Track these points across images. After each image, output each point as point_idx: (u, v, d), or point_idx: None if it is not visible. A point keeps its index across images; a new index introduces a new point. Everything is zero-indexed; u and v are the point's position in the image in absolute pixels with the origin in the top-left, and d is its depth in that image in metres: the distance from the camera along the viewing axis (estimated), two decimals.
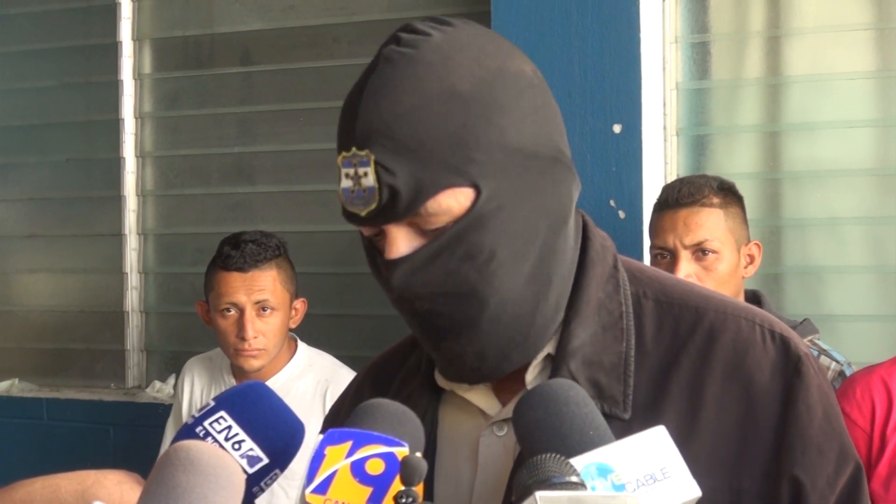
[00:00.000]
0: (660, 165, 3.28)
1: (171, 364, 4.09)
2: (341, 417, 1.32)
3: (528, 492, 0.98)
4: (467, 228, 1.17)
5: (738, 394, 1.22)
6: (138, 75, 4.14)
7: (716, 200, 2.72)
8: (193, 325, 3.93)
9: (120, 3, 4.12)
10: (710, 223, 2.69)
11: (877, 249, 3.23)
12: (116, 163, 4.14)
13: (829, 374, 2.71)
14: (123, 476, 1.12)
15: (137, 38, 4.14)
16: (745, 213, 2.79)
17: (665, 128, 3.31)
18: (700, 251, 2.69)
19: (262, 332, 3.04)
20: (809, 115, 3.28)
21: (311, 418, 2.82)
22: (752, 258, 2.79)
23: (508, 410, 1.26)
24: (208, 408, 1.17)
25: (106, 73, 4.15)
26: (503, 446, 1.26)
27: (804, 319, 2.85)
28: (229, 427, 1.16)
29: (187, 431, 1.16)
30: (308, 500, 1.05)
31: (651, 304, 1.29)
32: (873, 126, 3.22)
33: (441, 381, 1.31)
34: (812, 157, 3.28)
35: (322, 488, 1.04)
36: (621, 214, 3.17)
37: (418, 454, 1.04)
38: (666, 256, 2.72)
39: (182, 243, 4.12)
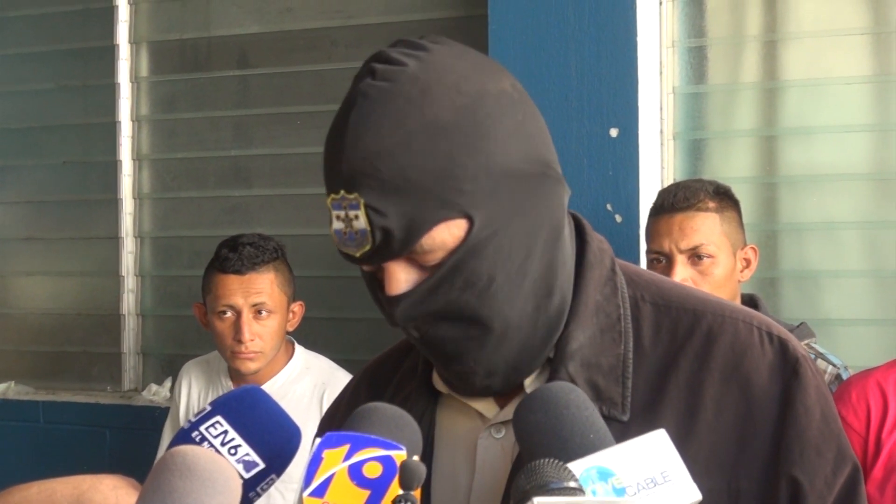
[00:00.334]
0: (656, 169, 3.28)
1: (167, 367, 4.08)
2: (337, 420, 1.33)
3: (526, 497, 0.98)
4: (464, 258, 1.17)
5: (736, 395, 1.23)
6: (135, 78, 4.14)
7: (711, 205, 2.72)
8: (190, 328, 3.93)
9: (117, 6, 4.12)
10: (705, 228, 2.69)
11: (873, 254, 3.24)
12: (113, 166, 4.14)
13: (826, 378, 2.71)
14: (119, 481, 1.12)
15: (134, 42, 4.14)
16: (741, 217, 2.79)
17: (662, 132, 3.31)
18: (696, 256, 2.69)
19: (259, 335, 3.04)
20: (806, 120, 3.28)
21: (308, 421, 2.82)
22: (748, 262, 2.79)
23: (506, 413, 1.27)
24: (205, 412, 1.17)
25: (103, 76, 4.15)
26: (501, 448, 1.27)
27: (801, 323, 2.85)
28: (225, 432, 1.16)
29: (183, 436, 1.16)
30: (306, 503, 1.05)
31: (649, 307, 1.29)
32: (870, 130, 3.23)
33: (438, 383, 1.32)
34: (809, 161, 3.28)
35: (320, 491, 1.05)
36: (618, 218, 3.17)
37: (415, 457, 1.04)
38: (662, 261, 2.72)
39: (178, 246, 4.11)
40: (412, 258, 1.18)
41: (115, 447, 3.97)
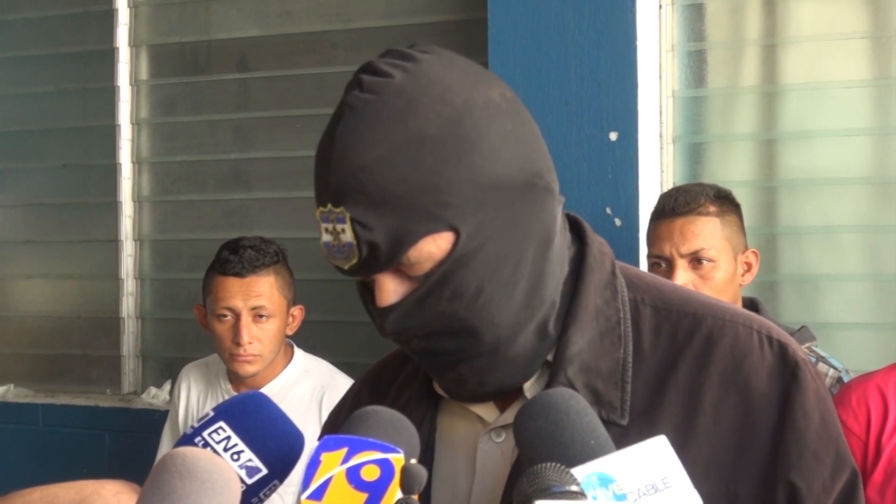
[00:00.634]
0: (656, 173, 3.28)
1: (166, 370, 4.08)
2: (339, 423, 1.33)
3: (527, 501, 0.98)
4: (451, 270, 1.17)
5: (735, 399, 1.23)
6: (135, 81, 4.15)
7: (712, 209, 2.72)
8: (189, 331, 3.93)
9: (117, 10, 4.12)
10: (706, 232, 2.69)
11: (873, 257, 3.24)
12: (113, 169, 4.14)
13: (827, 381, 2.71)
14: (121, 486, 1.12)
15: (134, 45, 4.14)
16: (742, 221, 2.79)
17: (661, 136, 3.31)
18: (696, 260, 2.69)
19: (258, 338, 3.04)
20: (806, 124, 3.28)
21: (308, 425, 2.82)
22: (749, 266, 2.79)
23: (506, 417, 1.27)
24: (207, 418, 1.17)
25: (103, 80, 4.15)
26: (501, 452, 1.27)
27: (802, 327, 2.85)
28: (228, 437, 1.16)
29: (186, 442, 1.16)
30: None
31: (649, 311, 1.29)
32: (869, 134, 3.23)
33: (438, 388, 1.32)
34: (808, 165, 3.28)
35: (318, 494, 1.05)
36: (617, 222, 3.17)
37: (413, 461, 1.05)
38: (662, 265, 2.72)
39: (178, 249, 4.11)
40: (401, 270, 1.18)
41: (115, 450, 3.97)
